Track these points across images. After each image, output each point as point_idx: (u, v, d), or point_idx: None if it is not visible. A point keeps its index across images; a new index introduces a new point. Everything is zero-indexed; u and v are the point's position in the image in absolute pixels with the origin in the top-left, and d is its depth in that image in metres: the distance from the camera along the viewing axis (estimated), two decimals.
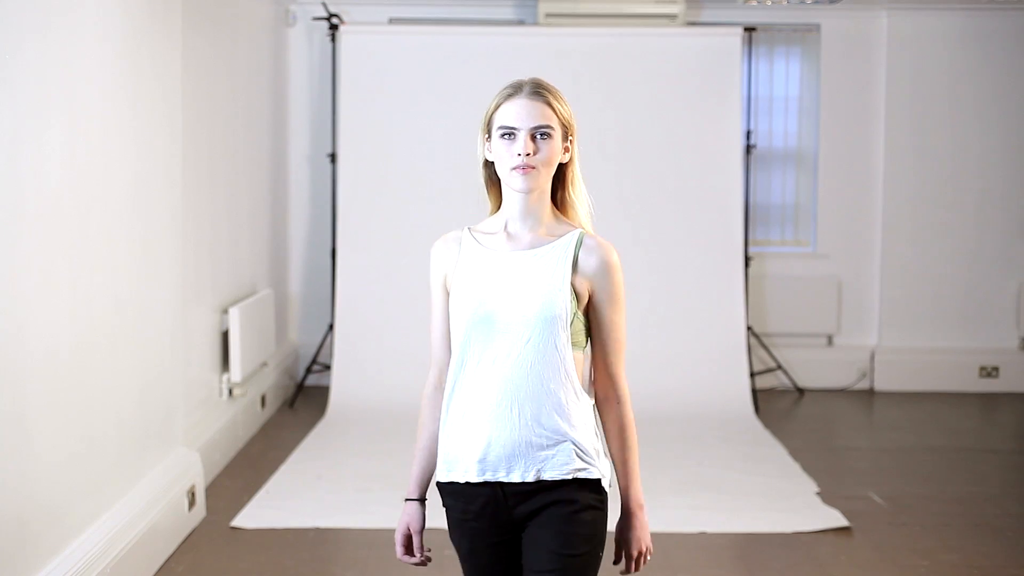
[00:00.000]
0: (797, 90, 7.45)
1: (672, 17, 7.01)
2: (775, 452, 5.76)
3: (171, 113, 4.42)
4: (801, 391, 7.25)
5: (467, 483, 2.30)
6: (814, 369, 7.37)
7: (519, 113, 2.29)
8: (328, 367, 7.00)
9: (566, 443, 2.29)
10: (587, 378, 2.37)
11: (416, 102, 6.84)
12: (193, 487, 4.52)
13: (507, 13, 7.28)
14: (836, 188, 7.40)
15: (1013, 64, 7.27)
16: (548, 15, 6.99)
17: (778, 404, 6.95)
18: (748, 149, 7.09)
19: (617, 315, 2.35)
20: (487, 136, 2.34)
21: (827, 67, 7.33)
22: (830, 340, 7.47)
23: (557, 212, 2.38)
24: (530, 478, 2.28)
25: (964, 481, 5.40)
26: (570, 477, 2.28)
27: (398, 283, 6.77)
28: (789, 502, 4.93)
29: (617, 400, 2.36)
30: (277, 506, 4.81)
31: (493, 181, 2.38)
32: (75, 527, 3.52)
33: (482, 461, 2.29)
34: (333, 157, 7.00)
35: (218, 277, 5.61)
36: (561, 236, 2.34)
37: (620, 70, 6.89)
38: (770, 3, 7.11)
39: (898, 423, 6.64)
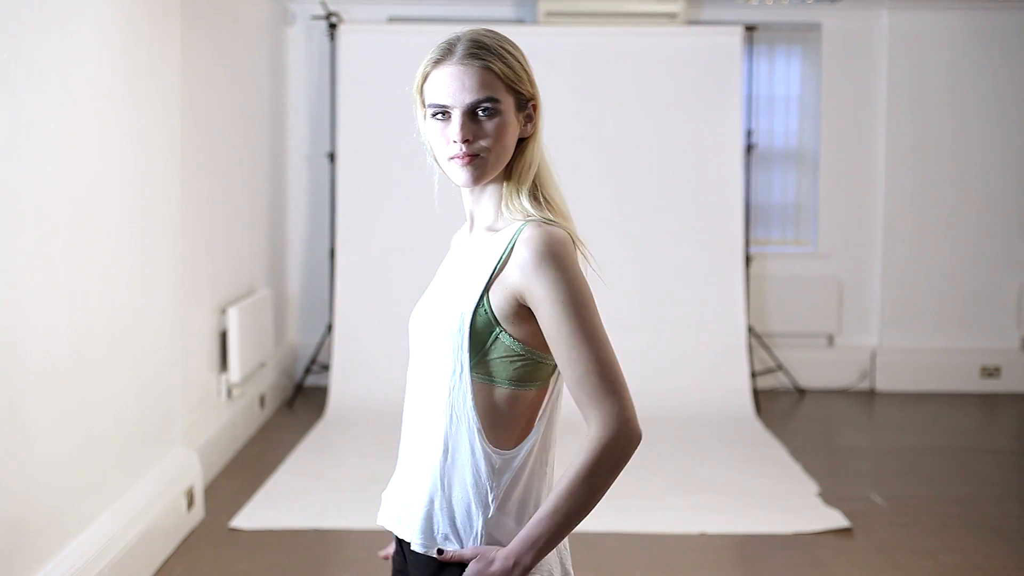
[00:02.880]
0: (798, 89, 7.44)
1: (672, 16, 7.00)
2: (776, 453, 5.75)
3: (169, 112, 4.41)
4: (802, 391, 7.23)
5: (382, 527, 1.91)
6: (815, 369, 7.35)
7: (450, 85, 1.74)
8: (327, 367, 6.99)
9: (427, 506, 1.78)
10: (517, 424, 1.77)
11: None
12: (191, 488, 4.50)
13: (507, 12, 7.26)
14: (837, 187, 7.39)
15: (1014, 63, 7.26)
16: (548, 14, 6.97)
17: (779, 404, 6.94)
18: (749, 148, 7.08)
19: (564, 327, 1.69)
20: (424, 111, 1.81)
21: (828, 66, 7.32)
22: (831, 340, 7.45)
23: (500, 201, 1.82)
24: (407, 539, 1.83)
25: (965, 482, 5.38)
26: (421, 551, 1.80)
27: (397, 283, 6.76)
28: (790, 503, 4.92)
29: (589, 433, 1.72)
30: (276, 507, 4.80)
31: None
32: (73, 528, 3.51)
33: (386, 506, 1.88)
34: (332, 156, 6.98)
35: (216, 277, 5.60)
36: (505, 227, 1.79)
37: (620, 69, 6.88)
38: (771, 2, 7.10)
39: (899, 423, 6.62)
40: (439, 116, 1.76)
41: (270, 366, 6.54)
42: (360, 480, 5.19)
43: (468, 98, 1.73)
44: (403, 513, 1.83)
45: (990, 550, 4.39)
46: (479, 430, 1.75)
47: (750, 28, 7.01)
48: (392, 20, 7.26)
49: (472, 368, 1.74)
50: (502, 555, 1.72)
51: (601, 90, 6.87)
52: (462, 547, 1.76)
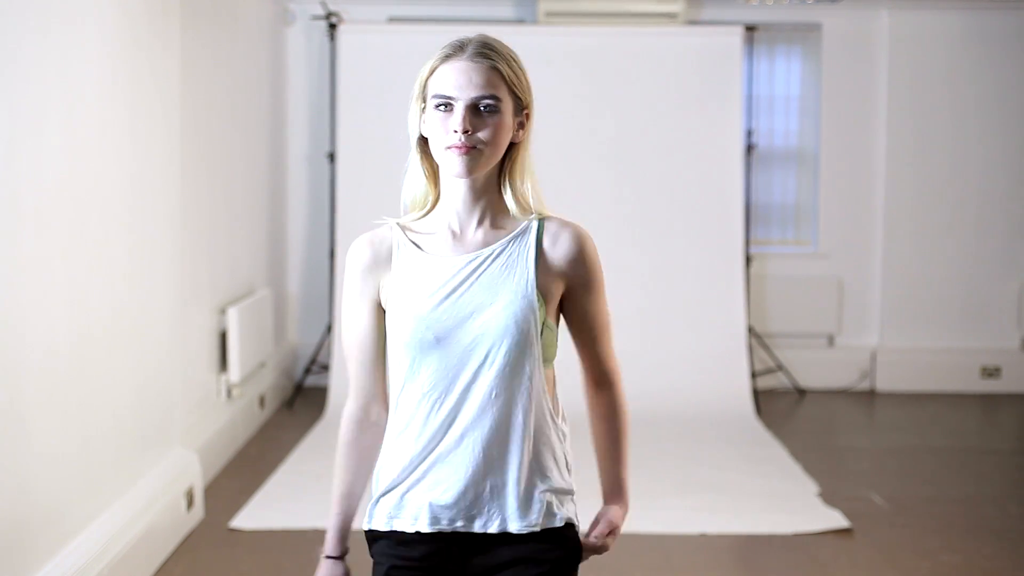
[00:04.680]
0: (798, 89, 7.44)
1: (672, 16, 7.00)
2: (776, 453, 5.74)
3: (169, 112, 4.40)
4: (802, 391, 7.23)
5: (416, 532, 1.92)
6: (815, 369, 7.35)
7: (458, 79, 1.83)
8: (327, 367, 6.98)
9: (537, 489, 1.92)
10: (558, 397, 2.00)
11: None
12: (191, 488, 4.50)
13: (507, 12, 7.26)
14: (837, 187, 7.38)
15: (1014, 63, 7.25)
16: (548, 14, 6.97)
17: (779, 405, 6.93)
18: (749, 148, 7.07)
19: (600, 301, 1.97)
20: (422, 105, 1.89)
21: (828, 66, 7.32)
22: (831, 340, 7.45)
23: (509, 199, 1.93)
24: (493, 529, 1.91)
25: (965, 482, 5.38)
26: (538, 529, 1.91)
27: None
28: (790, 503, 4.92)
29: (610, 384, 2.02)
30: (276, 507, 4.79)
31: (431, 165, 1.93)
32: (72, 528, 3.50)
33: (436, 508, 1.91)
34: (332, 156, 6.98)
35: (216, 277, 5.59)
36: (516, 228, 1.92)
37: (620, 69, 6.88)
38: (771, 2, 7.10)
39: (899, 424, 6.62)
40: (442, 107, 1.85)
41: (270, 366, 6.53)
42: None
43: (473, 92, 1.83)
44: (485, 505, 1.92)
45: (990, 550, 4.39)
46: (546, 408, 1.94)
47: (750, 28, 7.01)
48: (392, 20, 7.26)
49: (537, 356, 1.91)
50: (621, 515, 2.02)
51: (601, 90, 6.87)
52: (558, 511, 1.94)
